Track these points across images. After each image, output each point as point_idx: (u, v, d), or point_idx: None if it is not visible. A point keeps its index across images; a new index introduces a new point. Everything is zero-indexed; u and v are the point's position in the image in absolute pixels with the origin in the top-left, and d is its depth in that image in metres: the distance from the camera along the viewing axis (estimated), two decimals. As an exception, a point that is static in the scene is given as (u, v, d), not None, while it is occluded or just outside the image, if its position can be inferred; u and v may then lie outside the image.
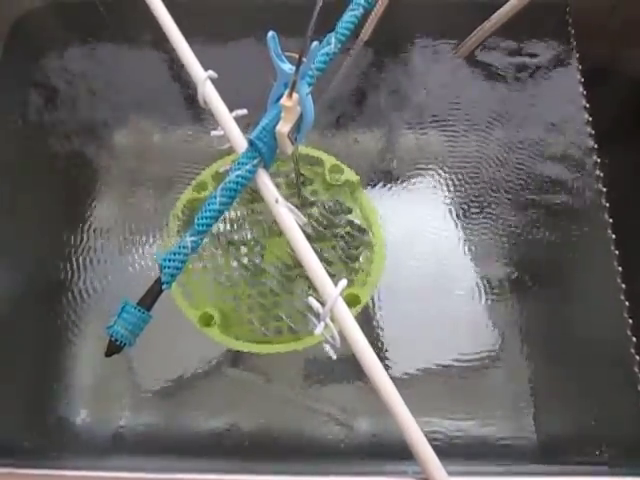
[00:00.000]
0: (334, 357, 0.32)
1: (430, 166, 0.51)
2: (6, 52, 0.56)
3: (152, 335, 0.33)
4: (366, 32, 0.53)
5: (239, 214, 0.46)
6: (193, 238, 0.32)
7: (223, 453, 0.44)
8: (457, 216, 0.49)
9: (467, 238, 0.49)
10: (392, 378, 0.30)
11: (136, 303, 0.32)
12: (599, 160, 0.50)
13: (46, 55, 0.57)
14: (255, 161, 0.32)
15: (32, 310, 0.48)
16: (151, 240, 0.49)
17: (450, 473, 0.30)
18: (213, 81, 0.35)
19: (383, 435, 0.43)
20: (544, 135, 0.52)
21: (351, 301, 0.41)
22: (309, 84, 0.31)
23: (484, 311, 0.47)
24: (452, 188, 0.50)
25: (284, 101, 0.30)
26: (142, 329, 0.32)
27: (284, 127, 0.31)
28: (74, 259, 0.49)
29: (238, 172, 0.32)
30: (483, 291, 0.47)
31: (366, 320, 0.46)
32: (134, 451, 0.44)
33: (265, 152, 0.32)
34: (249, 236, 0.46)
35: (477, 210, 0.50)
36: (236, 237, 0.46)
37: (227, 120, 0.35)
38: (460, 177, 0.51)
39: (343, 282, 0.31)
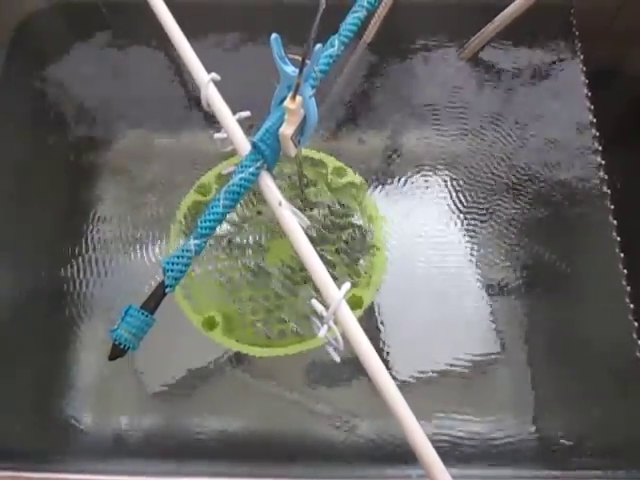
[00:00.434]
0: (337, 360, 0.32)
1: (434, 168, 0.51)
2: (10, 55, 0.56)
3: (155, 338, 0.33)
4: (369, 34, 0.53)
5: (242, 216, 0.46)
6: (197, 241, 0.32)
7: (226, 456, 0.43)
8: (460, 218, 0.49)
9: (470, 240, 0.49)
10: (395, 380, 0.30)
11: (139, 306, 0.32)
12: (603, 162, 0.50)
13: (49, 58, 0.57)
14: (258, 164, 0.32)
15: (35, 313, 0.48)
16: (154, 243, 0.49)
17: (454, 476, 0.30)
18: (216, 83, 0.35)
19: (386, 438, 0.43)
20: (548, 137, 0.52)
21: (354, 303, 0.41)
22: (312, 86, 0.31)
23: (487, 313, 0.46)
24: (455, 190, 0.50)
25: (287, 103, 0.30)
26: (146, 333, 0.32)
27: (287, 129, 0.31)
28: (77, 262, 0.49)
29: (241, 175, 0.32)
30: (486, 293, 0.47)
31: (369, 322, 0.46)
32: (137, 454, 0.44)
33: (268, 155, 0.32)
34: (252, 238, 0.46)
35: (480, 212, 0.49)
36: (239, 239, 0.46)
37: (230, 122, 0.35)
38: (463, 179, 0.51)
39: (347, 285, 0.31)
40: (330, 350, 0.32)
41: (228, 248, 0.45)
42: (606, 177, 0.49)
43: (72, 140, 0.54)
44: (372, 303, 0.45)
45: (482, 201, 0.50)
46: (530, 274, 0.47)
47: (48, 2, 0.58)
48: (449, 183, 0.51)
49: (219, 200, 0.32)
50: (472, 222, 0.49)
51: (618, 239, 0.47)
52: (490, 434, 0.43)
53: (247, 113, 0.35)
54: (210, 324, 0.42)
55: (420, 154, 0.52)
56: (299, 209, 0.33)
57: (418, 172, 0.51)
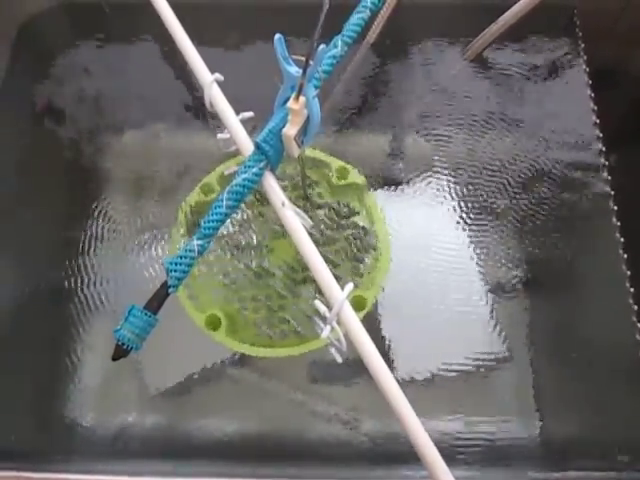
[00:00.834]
0: (340, 360, 0.32)
1: (437, 168, 0.51)
2: (13, 54, 0.56)
3: (158, 338, 0.33)
4: (373, 34, 0.53)
5: (245, 216, 0.46)
6: (200, 242, 0.32)
7: (227, 456, 0.44)
8: (463, 218, 0.49)
9: (473, 240, 0.49)
10: (398, 381, 0.30)
11: (143, 307, 0.32)
12: (607, 163, 0.50)
13: (53, 57, 0.57)
14: (262, 164, 0.32)
15: (38, 313, 0.48)
16: (157, 243, 0.49)
17: (457, 477, 0.30)
18: (219, 84, 0.35)
19: (389, 438, 0.43)
20: (552, 137, 0.52)
21: (357, 303, 0.41)
22: (316, 87, 0.31)
23: (490, 314, 0.46)
24: (459, 190, 0.50)
25: (291, 104, 0.30)
26: (149, 333, 0.32)
27: (291, 130, 0.31)
28: (80, 262, 0.49)
29: (244, 175, 0.32)
30: (489, 294, 0.47)
31: (372, 322, 0.46)
32: (139, 454, 0.44)
33: (272, 155, 0.32)
34: (255, 239, 0.46)
35: (483, 212, 0.49)
36: (242, 239, 0.46)
37: (233, 123, 0.35)
38: (467, 179, 0.51)
39: (350, 286, 0.31)
40: (333, 351, 0.32)
41: (231, 248, 0.45)
42: (609, 178, 0.49)
43: (75, 140, 0.54)
44: (375, 303, 0.45)
45: (485, 202, 0.50)
46: (533, 275, 0.47)
47: (51, 2, 0.58)
48: (452, 183, 0.50)
49: (222, 200, 0.32)
50: (475, 222, 0.49)
51: (621, 240, 0.47)
52: (493, 434, 0.43)
53: (250, 113, 0.35)
54: (213, 324, 0.42)
55: (423, 154, 0.52)
56: (302, 209, 0.33)
57: (421, 172, 0.51)
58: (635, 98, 0.57)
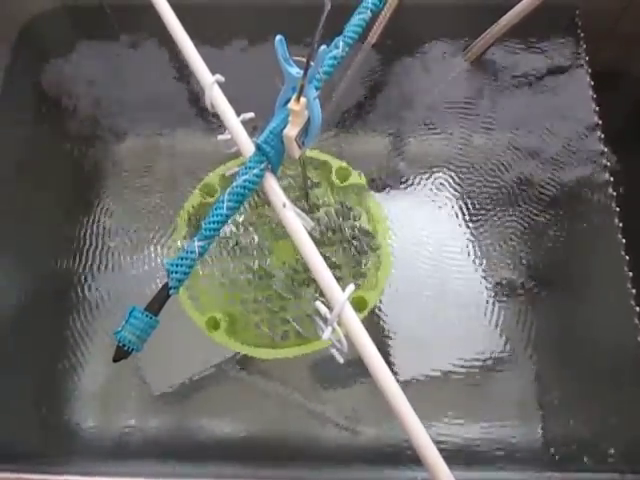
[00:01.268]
0: (341, 361, 0.32)
1: (438, 169, 0.51)
2: (14, 55, 0.56)
3: (159, 339, 0.33)
4: (374, 35, 0.53)
5: (246, 218, 0.46)
6: (201, 243, 0.32)
7: (228, 458, 0.43)
8: (465, 219, 0.49)
9: (475, 242, 0.48)
10: (399, 382, 0.30)
11: (144, 308, 0.32)
12: (609, 164, 0.50)
13: (54, 58, 0.57)
14: (262, 165, 0.32)
15: (38, 313, 0.48)
16: (158, 244, 0.49)
17: (458, 479, 0.30)
18: (220, 85, 0.35)
19: (390, 440, 0.43)
20: (553, 139, 0.51)
21: (358, 304, 0.41)
22: (317, 88, 0.31)
23: (492, 315, 0.46)
24: (459, 191, 0.50)
25: (292, 105, 0.30)
26: (150, 334, 0.32)
27: (292, 131, 0.31)
28: (80, 263, 0.49)
29: (245, 176, 0.32)
30: (491, 295, 0.47)
31: (373, 323, 0.46)
32: (139, 456, 0.44)
33: (272, 156, 0.32)
34: (256, 240, 0.46)
35: (485, 214, 0.49)
36: (243, 241, 0.46)
37: (234, 124, 0.35)
38: (468, 181, 0.50)
39: (351, 287, 0.31)
40: (334, 352, 0.32)
41: (232, 249, 0.45)
42: (611, 179, 0.49)
43: (76, 140, 0.54)
44: (376, 305, 0.45)
45: (487, 202, 0.50)
46: (535, 276, 0.47)
47: (52, 3, 0.58)
48: (454, 185, 0.50)
49: (223, 202, 0.32)
50: (476, 224, 0.49)
51: (623, 241, 0.47)
52: (495, 436, 0.43)
53: (251, 114, 0.35)
54: (214, 325, 0.42)
55: (424, 155, 0.52)
56: (303, 210, 0.33)
57: (422, 174, 0.51)
58: (637, 99, 0.57)
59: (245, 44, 0.56)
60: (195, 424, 0.44)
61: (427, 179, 0.51)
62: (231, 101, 0.35)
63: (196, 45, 0.37)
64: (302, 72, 0.28)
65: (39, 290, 0.49)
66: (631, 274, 0.46)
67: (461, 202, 0.50)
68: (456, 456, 0.42)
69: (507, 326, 0.46)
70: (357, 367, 0.32)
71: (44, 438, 0.45)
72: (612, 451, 0.42)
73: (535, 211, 0.49)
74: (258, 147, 0.32)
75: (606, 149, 0.50)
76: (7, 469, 0.39)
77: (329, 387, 0.45)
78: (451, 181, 0.51)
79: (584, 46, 0.54)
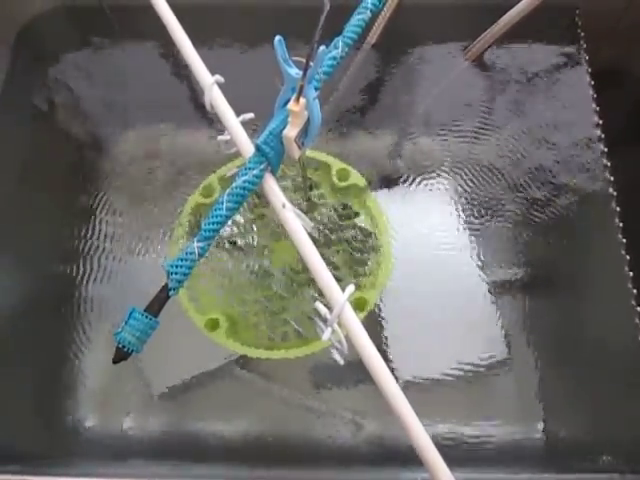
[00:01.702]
0: (341, 362, 0.32)
1: (437, 170, 0.51)
2: (14, 56, 0.56)
3: (159, 340, 0.33)
4: (373, 35, 0.53)
5: (246, 218, 0.46)
6: (200, 244, 0.32)
7: (228, 458, 0.43)
8: (465, 219, 0.49)
9: (475, 241, 0.48)
10: (399, 383, 0.30)
11: (143, 309, 0.32)
12: (609, 164, 0.50)
13: (54, 59, 0.57)
14: (262, 166, 0.32)
15: (38, 315, 0.48)
16: (158, 245, 0.49)
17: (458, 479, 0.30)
18: (220, 85, 0.35)
19: (391, 441, 0.43)
20: (553, 138, 0.51)
21: (358, 305, 0.41)
22: (316, 88, 0.31)
23: (492, 315, 0.46)
24: (460, 191, 0.50)
25: (291, 106, 0.30)
26: (149, 336, 0.32)
27: (291, 132, 0.31)
28: (80, 264, 0.49)
29: (245, 177, 0.32)
30: (492, 295, 0.47)
31: (373, 324, 0.46)
32: (140, 457, 0.44)
33: (272, 157, 0.32)
34: (256, 241, 0.46)
35: (485, 213, 0.49)
36: (243, 241, 0.46)
37: (234, 124, 0.35)
38: (468, 180, 0.50)
39: (351, 288, 0.31)
40: (334, 353, 0.32)
41: (232, 250, 0.45)
42: (612, 179, 0.49)
43: (76, 141, 0.54)
44: (376, 305, 0.45)
45: (487, 203, 0.50)
46: (535, 276, 0.47)
47: (52, 4, 0.58)
48: (454, 184, 0.50)
49: (223, 203, 0.32)
50: (477, 224, 0.49)
51: (624, 241, 0.47)
52: (495, 436, 0.43)
53: (251, 115, 0.35)
54: (214, 326, 0.42)
55: (424, 155, 0.52)
56: (303, 211, 0.33)
57: (423, 174, 0.51)
58: (638, 98, 0.57)
59: (245, 44, 0.56)
60: (195, 425, 0.44)
61: (427, 179, 0.51)
62: (230, 102, 0.35)
63: (195, 46, 0.37)
64: (301, 73, 0.28)
65: (39, 290, 0.49)
66: (631, 274, 0.46)
67: (461, 202, 0.50)
68: (456, 456, 0.42)
69: (507, 326, 0.46)
70: (357, 367, 0.32)
71: (45, 439, 0.45)
72: (612, 451, 0.42)
73: (535, 211, 0.49)
74: (258, 148, 0.32)
75: (606, 148, 0.50)
76: (8, 470, 0.39)
77: (329, 387, 0.45)
78: (451, 181, 0.50)
79: (584, 46, 0.54)
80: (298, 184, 0.46)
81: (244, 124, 0.35)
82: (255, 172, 0.32)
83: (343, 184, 0.46)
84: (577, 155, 0.51)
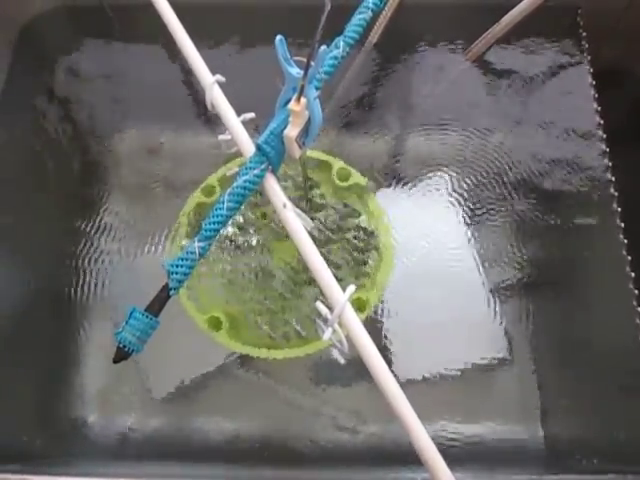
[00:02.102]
0: (342, 362, 0.32)
1: (438, 169, 0.51)
2: (15, 56, 0.56)
3: (160, 340, 0.33)
4: (375, 35, 0.53)
5: (247, 218, 0.46)
6: (201, 244, 0.32)
7: (228, 458, 0.43)
8: (466, 219, 0.49)
9: (476, 241, 0.48)
10: (400, 383, 0.30)
11: (144, 309, 0.32)
12: (611, 164, 0.49)
13: (54, 58, 0.57)
14: (263, 166, 0.32)
15: (39, 314, 0.48)
16: (158, 244, 0.49)
17: (459, 480, 0.30)
18: (221, 85, 0.35)
19: (390, 440, 0.43)
20: (555, 138, 0.51)
21: (359, 305, 0.41)
22: (317, 88, 0.31)
23: (493, 315, 0.46)
24: (461, 191, 0.50)
25: (292, 105, 0.30)
26: (150, 335, 0.32)
27: (292, 131, 0.31)
28: (81, 264, 0.49)
29: (246, 177, 0.32)
30: (492, 295, 0.47)
31: (374, 324, 0.45)
32: (141, 457, 0.44)
33: (273, 157, 0.32)
34: (257, 240, 0.46)
35: (486, 213, 0.49)
36: (244, 241, 0.46)
37: (235, 124, 0.35)
38: (469, 180, 0.50)
39: (351, 288, 0.31)
40: (335, 352, 0.32)
41: (233, 250, 0.45)
42: (613, 179, 0.49)
43: (76, 141, 0.54)
44: (377, 305, 0.45)
45: (488, 202, 0.50)
46: (536, 276, 0.47)
47: (53, 4, 0.58)
48: (455, 184, 0.50)
49: (223, 202, 0.32)
50: (478, 223, 0.49)
51: (625, 241, 0.47)
52: (496, 437, 0.43)
53: (252, 115, 0.35)
54: (215, 326, 0.42)
55: (425, 155, 0.52)
56: (304, 211, 0.33)
57: (423, 173, 0.51)
58: (639, 99, 0.57)
59: (245, 44, 0.56)
60: (196, 425, 0.44)
61: (428, 179, 0.51)
62: (231, 101, 0.35)
63: (196, 45, 0.37)
64: (302, 72, 0.28)
65: (39, 290, 0.49)
66: (633, 274, 0.46)
67: (462, 202, 0.50)
68: (456, 456, 0.42)
69: (508, 326, 0.46)
70: (358, 367, 0.32)
71: (45, 439, 0.45)
72: (613, 452, 0.42)
73: (536, 211, 0.49)
74: (258, 147, 0.32)
75: (608, 149, 0.50)
76: (8, 470, 0.38)
77: (330, 387, 0.44)
78: (452, 181, 0.50)
79: (586, 45, 0.54)
80: (299, 184, 0.46)
81: (245, 124, 0.35)
82: (256, 172, 0.32)
83: (344, 184, 0.45)
84: (578, 155, 0.51)
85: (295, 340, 0.42)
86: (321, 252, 0.32)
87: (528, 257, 0.48)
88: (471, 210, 0.49)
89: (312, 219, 0.33)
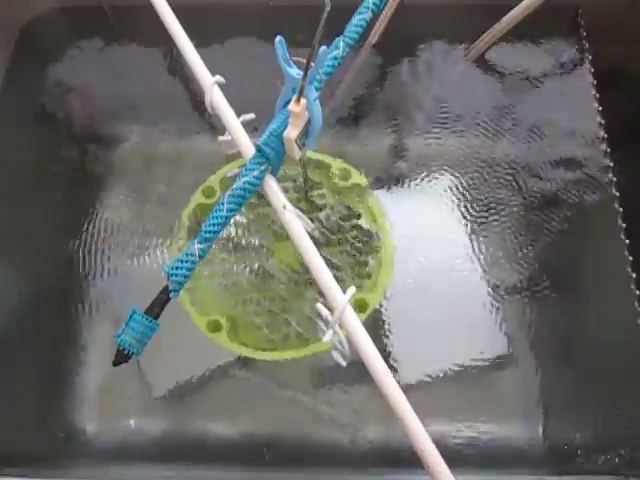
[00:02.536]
0: (343, 364, 0.32)
1: (439, 169, 0.51)
2: (14, 56, 0.56)
3: (160, 341, 0.33)
4: (374, 35, 0.53)
5: (247, 218, 0.46)
6: (201, 245, 0.32)
7: (229, 460, 0.43)
8: (467, 220, 0.49)
9: (477, 241, 0.48)
10: (400, 385, 0.30)
11: (144, 311, 0.32)
12: (612, 164, 0.49)
13: (54, 59, 0.57)
14: (263, 167, 0.32)
15: (39, 316, 0.48)
16: (158, 246, 0.49)
17: (460, 483, 0.30)
18: (220, 86, 0.35)
19: (391, 442, 0.43)
20: (556, 139, 0.51)
21: (359, 306, 0.41)
22: (317, 89, 0.31)
23: (494, 316, 0.46)
24: (461, 191, 0.50)
25: (292, 106, 0.29)
26: (150, 338, 0.32)
27: (292, 132, 0.31)
28: (80, 265, 0.48)
29: (245, 178, 0.32)
30: (493, 295, 0.47)
31: (374, 325, 0.45)
32: (141, 459, 0.44)
33: (273, 158, 0.32)
34: (257, 241, 0.46)
35: (487, 213, 0.49)
36: (244, 242, 0.46)
37: (234, 125, 0.34)
38: (470, 180, 0.50)
39: (352, 289, 0.31)
40: (336, 354, 0.32)
41: (233, 251, 0.45)
42: (614, 179, 0.49)
43: (76, 142, 0.54)
44: (378, 306, 0.45)
45: (488, 202, 0.49)
46: (537, 276, 0.47)
47: (52, 4, 0.58)
48: (455, 184, 0.50)
49: (223, 204, 0.32)
50: (478, 223, 0.49)
51: (627, 242, 0.47)
52: (497, 438, 0.43)
53: (251, 116, 0.35)
54: (215, 327, 0.42)
55: (426, 155, 0.52)
56: (304, 212, 0.33)
57: (424, 173, 0.51)
58: (640, 98, 0.57)
59: (245, 45, 0.56)
60: (196, 426, 0.44)
61: (428, 179, 0.51)
62: (231, 102, 0.35)
63: (196, 46, 0.36)
64: (302, 73, 0.28)
65: (40, 292, 0.49)
66: (634, 275, 0.46)
67: (462, 202, 0.50)
68: (457, 457, 0.42)
69: (509, 326, 0.46)
70: (358, 369, 0.32)
71: (45, 441, 0.45)
72: (615, 453, 0.42)
73: (537, 211, 0.49)
74: (258, 149, 0.32)
75: (609, 149, 0.50)
76: (8, 473, 0.38)
77: (330, 389, 0.44)
78: (452, 181, 0.50)
79: (587, 45, 0.54)
80: (299, 185, 0.46)
81: (245, 125, 0.35)
82: (256, 173, 0.32)
83: (344, 184, 0.45)
84: (579, 155, 0.50)
85: (295, 341, 0.42)
86: (321, 253, 0.32)
87: (529, 257, 0.48)
88: (471, 210, 0.49)
89: (312, 220, 0.33)
